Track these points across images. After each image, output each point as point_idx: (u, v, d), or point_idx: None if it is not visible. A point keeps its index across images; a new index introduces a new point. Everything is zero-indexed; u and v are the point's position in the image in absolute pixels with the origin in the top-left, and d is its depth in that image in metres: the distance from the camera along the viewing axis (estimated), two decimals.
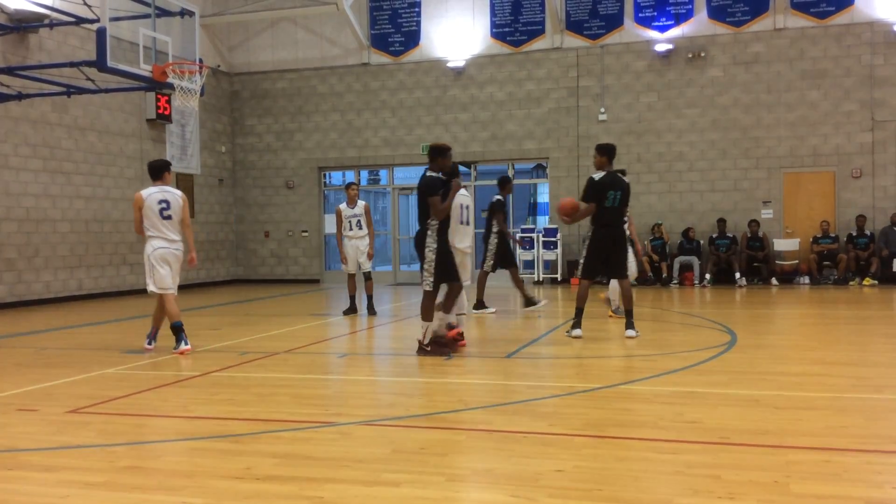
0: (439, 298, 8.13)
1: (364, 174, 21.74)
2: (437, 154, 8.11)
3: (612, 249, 8.89)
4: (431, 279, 7.81)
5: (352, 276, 12.26)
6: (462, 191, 8.96)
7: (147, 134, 17.70)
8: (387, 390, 6.83)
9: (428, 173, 8.01)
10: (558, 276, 18.15)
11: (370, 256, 12.02)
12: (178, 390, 6.62)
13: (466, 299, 9.19)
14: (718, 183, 17.81)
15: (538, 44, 18.74)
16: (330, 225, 20.87)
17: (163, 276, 8.50)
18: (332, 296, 16.77)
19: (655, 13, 17.96)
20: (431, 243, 7.82)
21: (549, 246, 18.11)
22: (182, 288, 18.40)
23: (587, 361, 7.79)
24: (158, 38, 12.02)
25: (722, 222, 17.31)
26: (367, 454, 4.55)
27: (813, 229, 17.16)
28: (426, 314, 7.92)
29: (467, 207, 9.40)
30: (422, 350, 7.97)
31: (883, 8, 16.76)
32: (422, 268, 7.90)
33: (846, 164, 17.08)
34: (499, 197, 12.01)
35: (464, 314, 8.96)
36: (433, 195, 7.81)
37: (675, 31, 17.88)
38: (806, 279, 16.83)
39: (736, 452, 4.46)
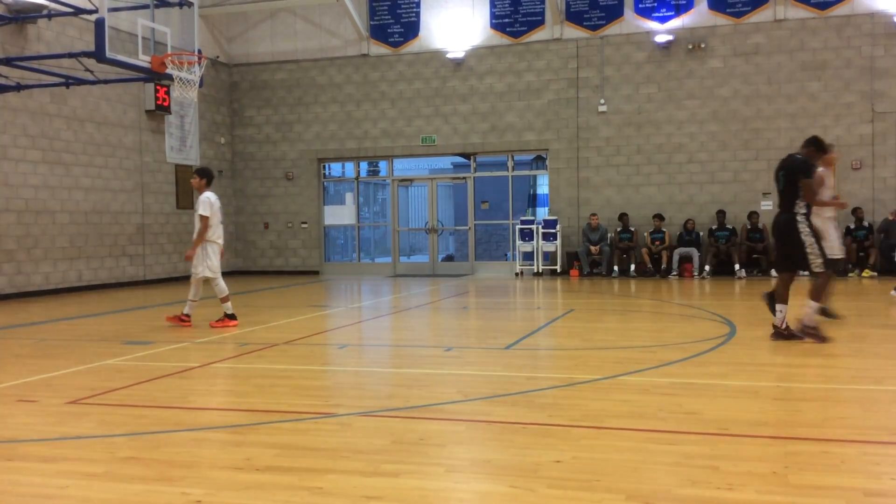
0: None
1: (364, 165, 21.72)
2: (820, 149, 8.11)
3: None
4: (820, 261, 7.81)
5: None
6: (212, 193, 9.82)
7: (146, 125, 17.67)
8: (386, 381, 6.83)
9: (799, 156, 7.92)
10: (558, 267, 18.15)
11: None
12: (177, 381, 6.63)
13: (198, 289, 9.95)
14: (718, 174, 17.79)
15: (538, 35, 18.69)
16: (330, 216, 20.87)
17: None
18: (331, 287, 16.77)
19: (656, 4, 17.89)
20: (805, 228, 7.80)
21: (548, 238, 18.08)
22: (180, 279, 18.60)
23: (586, 353, 7.80)
24: (157, 28, 12.00)
25: (721, 214, 17.29)
26: (366, 445, 4.56)
27: None
28: (818, 295, 7.90)
29: (220, 208, 9.97)
30: (806, 330, 7.88)
31: None
32: (803, 254, 7.80)
33: (846, 155, 17.04)
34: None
35: (196, 301, 9.91)
36: (810, 178, 7.74)
37: (675, 22, 17.83)
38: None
39: (735, 443, 4.46)
